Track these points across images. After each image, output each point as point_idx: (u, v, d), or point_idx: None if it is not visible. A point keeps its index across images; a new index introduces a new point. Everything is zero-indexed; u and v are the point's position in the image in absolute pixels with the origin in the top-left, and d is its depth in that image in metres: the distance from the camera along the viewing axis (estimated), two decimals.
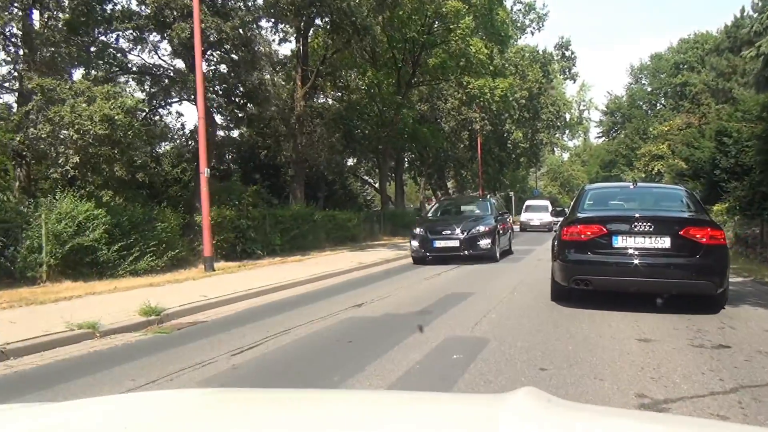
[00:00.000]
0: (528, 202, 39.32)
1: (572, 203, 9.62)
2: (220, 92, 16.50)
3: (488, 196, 20.03)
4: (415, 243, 15.65)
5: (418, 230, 15.85)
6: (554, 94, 47.38)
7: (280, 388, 4.26)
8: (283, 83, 26.82)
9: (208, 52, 16.00)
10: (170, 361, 5.71)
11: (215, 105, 16.23)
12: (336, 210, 25.58)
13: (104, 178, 15.23)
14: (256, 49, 16.29)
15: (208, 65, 16.61)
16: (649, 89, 68.04)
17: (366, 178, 45.41)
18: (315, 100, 26.25)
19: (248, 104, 17.60)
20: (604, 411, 2.13)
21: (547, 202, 38.88)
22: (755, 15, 28.24)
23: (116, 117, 12.35)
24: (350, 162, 43.08)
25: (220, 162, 29.10)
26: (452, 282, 11.80)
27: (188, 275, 12.91)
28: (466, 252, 15.12)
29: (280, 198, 26.75)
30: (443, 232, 15.51)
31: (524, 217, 35.63)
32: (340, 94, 28.38)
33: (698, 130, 28.16)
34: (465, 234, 15.28)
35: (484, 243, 15.27)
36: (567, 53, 53.09)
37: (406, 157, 43.52)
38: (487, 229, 15.61)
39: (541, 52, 50.78)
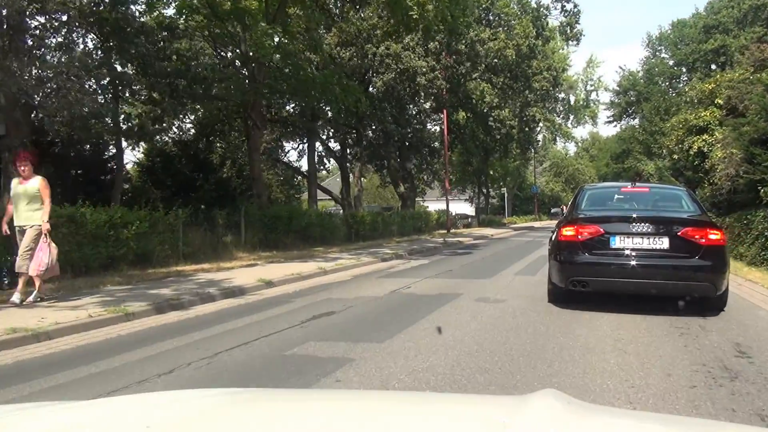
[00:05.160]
0: None
1: (570, 203, 9.33)
2: None
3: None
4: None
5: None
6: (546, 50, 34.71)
7: None
8: None
9: None
10: None
11: None
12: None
13: None
14: None
15: None
16: (671, 63, 55.43)
17: (287, 160, 33.51)
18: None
19: None
20: (624, 413, 2.28)
21: None
22: None
23: None
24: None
25: None
26: None
27: None
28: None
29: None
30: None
31: None
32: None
33: None
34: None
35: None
36: (567, 6, 40.58)
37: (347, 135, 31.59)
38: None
39: (533, 3, 38.51)
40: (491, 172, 50.35)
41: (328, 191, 35.98)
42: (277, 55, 17.44)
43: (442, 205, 37.52)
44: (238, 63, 19.98)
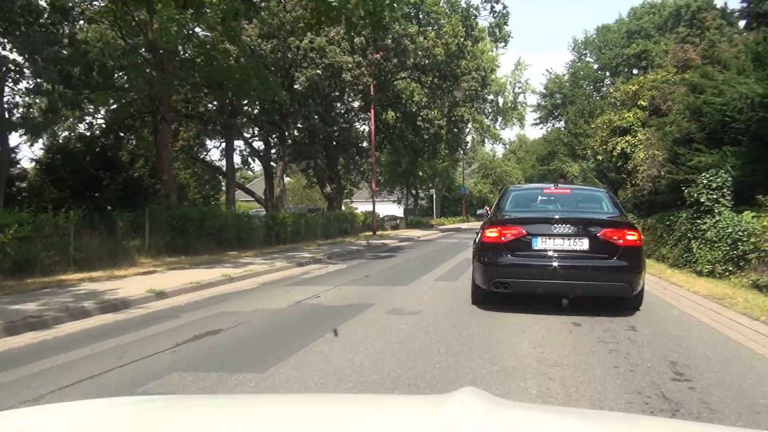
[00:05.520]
0: None
1: (494, 204, 9.28)
2: None
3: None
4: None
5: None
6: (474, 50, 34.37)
7: None
8: None
9: None
10: None
11: None
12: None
13: None
14: None
15: None
16: (595, 66, 56.55)
17: (209, 159, 31.98)
18: None
19: None
20: (546, 409, 2.24)
21: None
22: None
23: None
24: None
25: None
26: None
27: None
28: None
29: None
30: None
31: None
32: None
33: (710, 62, 16.07)
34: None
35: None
36: (497, 7, 40.50)
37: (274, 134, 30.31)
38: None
39: (463, 2, 38.16)
40: (420, 173, 49.96)
41: (250, 192, 34.54)
42: (188, 44, 16.15)
43: (370, 206, 36.73)
44: (148, 54, 18.55)
